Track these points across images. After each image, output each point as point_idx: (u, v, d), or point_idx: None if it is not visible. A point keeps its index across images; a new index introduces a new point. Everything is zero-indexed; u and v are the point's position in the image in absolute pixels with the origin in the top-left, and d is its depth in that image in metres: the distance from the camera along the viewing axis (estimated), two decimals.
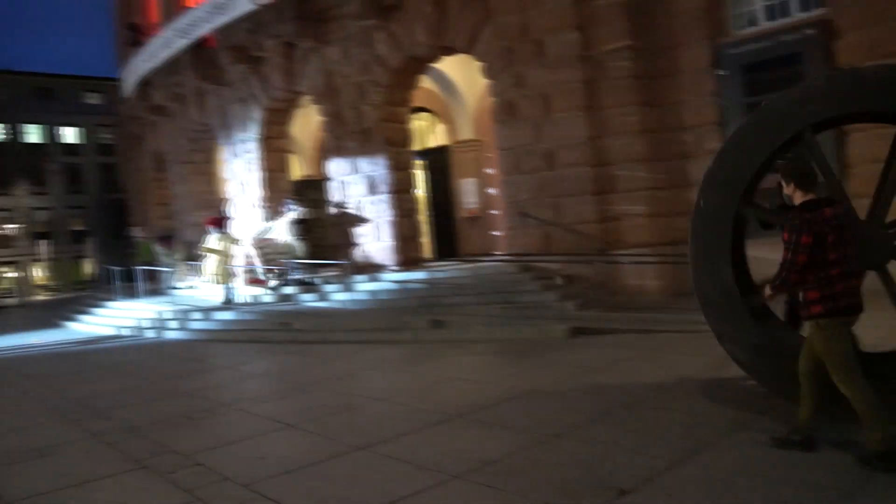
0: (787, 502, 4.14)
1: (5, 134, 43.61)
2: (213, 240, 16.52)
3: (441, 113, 20.74)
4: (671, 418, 5.88)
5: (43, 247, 46.69)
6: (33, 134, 51.26)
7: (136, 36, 24.83)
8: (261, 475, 5.50)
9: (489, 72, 14.27)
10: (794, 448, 4.82)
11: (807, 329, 4.95)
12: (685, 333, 8.83)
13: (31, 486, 5.86)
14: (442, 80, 19.07)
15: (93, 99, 54.91)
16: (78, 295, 34.76)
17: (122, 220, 36.77)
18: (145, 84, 23.35)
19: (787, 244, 4.68)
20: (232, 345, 13.31)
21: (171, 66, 21.11)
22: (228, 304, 16.23)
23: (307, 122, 22.44)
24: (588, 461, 5.06)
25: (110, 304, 20.28)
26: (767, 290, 4.94)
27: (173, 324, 15.78)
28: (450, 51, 15.29)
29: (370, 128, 16.25)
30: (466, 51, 14.76)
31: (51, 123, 52.41)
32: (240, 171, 20.23)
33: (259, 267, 16.92)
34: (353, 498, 4.86)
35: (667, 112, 12.82)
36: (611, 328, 10.18)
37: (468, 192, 19.42)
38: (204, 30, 19.41)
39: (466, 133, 19.67)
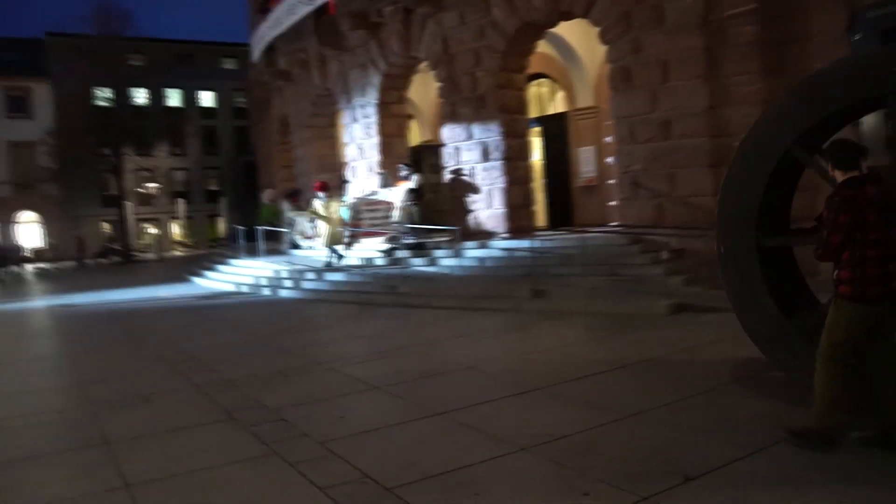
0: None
1: (148, 98, 45.98)
2: (319, 204, 16.90)
3: (560, 79, 20.38)
4: (754, 406, 5.61)
5: (180, 205, 49.17)
6: (173, 98, 53.95)
7: (265, 3, 25.56)
8: (337, 434, 5.64)
9: (606, 37, 13.87)
10: (876, 446, 4.53)
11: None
12: None
13: (130, 429, 6.25)
14: (561, 45, 18.70)
15: (229, 64, 57.08)
16: (209, 252, 36.56)
17: (253, 181, 38.36)
18: (271, 50, 24.07)
19: (826, 222, 4.49)
20: (340, 305, 13.63)
21: (295, 33, 21.63)
22: (329, 267, 16.66)
23: (427, 88, 22.55)
24: (659, 443, 4.90)
25: (233, 261, 21.20)
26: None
27: (288, 283, 16.33)
28: (567, 15, 14.93)
29: (484, 94, 16.15)
30: (583, 15, 14.38)
31: (190, 88, 54.99)
32: (358, 136, 20.57)
33: (352, 230, 17.00)
34: (418, 461, 4.90)
35: (793, 81, 12.02)
36: (715, 306, 9.74)
37: (585, 161, 19.03)
38: None
39: (586, 100, 19.26)
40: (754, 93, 11.99)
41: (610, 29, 13.71)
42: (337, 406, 6.51)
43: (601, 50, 16.45)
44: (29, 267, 38.17)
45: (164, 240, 50.03)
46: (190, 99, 55.09)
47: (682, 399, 5.88)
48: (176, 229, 54.29)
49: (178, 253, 47.55)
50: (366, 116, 20.03)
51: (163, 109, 48.65)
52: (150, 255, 42.32)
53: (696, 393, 6.04)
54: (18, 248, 39.06)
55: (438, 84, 17.66)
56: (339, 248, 16.87)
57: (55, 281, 28.90)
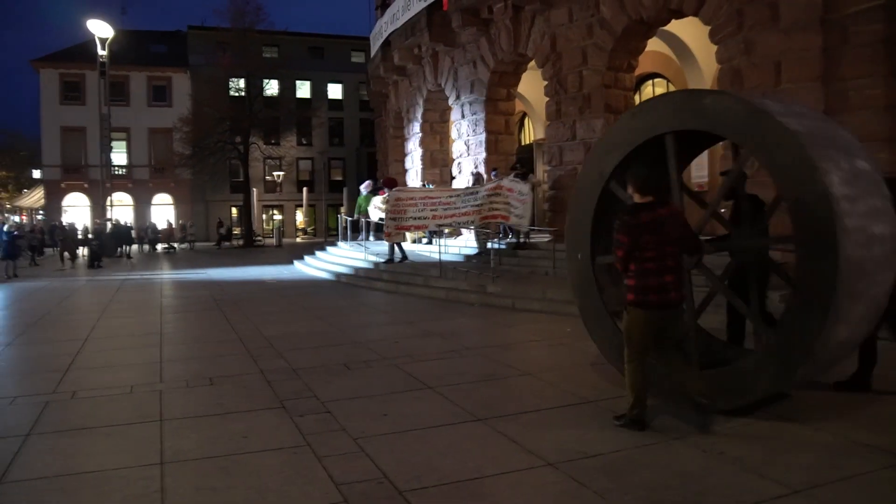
0: None
1: (279, 89, 47.50)
2: (380, 200, 17.02)
3: (675, 79, 19.76)
4: (832, 441, 5.19)
5: (304, 194, 50.64)
6: (303, 89, 55.66)
7: None
8: (373, 431, 5.62)
9: (716, 36, 13.30)
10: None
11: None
12: None
13: (188, 409, 6.51)
14: (677, 44, 18.11)
15: (357, 58, 58.35)
16: (325, 240, 37.56)
17: (376, 172, 39.07)
18: (387, 45, 24.40)
19: (614, 241, 5.53)
20: (426, 301, 13.67)
21: (410, 28, 21.85)
22: (390, 262, 17.11)
23: (541, 86, 22.34)
24: (695, 473, 4.60)
25: (332, 250, 21.80)
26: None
27: (384, 275, 16.51)
28: (677, 14, 14.39)
29: (590, 93, 15.80)
30: (694, 13, 13.81)
31: (319, 80, 56.56)
32: (465, 132, 20.58)
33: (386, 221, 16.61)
34: (442, 467, 4.81)
35: None
36: None
37: (697, 166, 18.31)
38: None
39: None
40: (876, 97, 11.16)
41: (721, 27, 13.13)
42: (385, 403, 6.48)
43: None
44: (159, 246, 40.22)
45: (286, 227, 51.66)
46: (319, 91, 56.64)
47: (745, 425, 5.53)
48: (299, 217, 55.99)
49: (298, 240, 49.05)
50: (473, 113, 20.03)
51: (293, 100, 50.14)
52: (269, 241, 43.82)
53: (762, 419, 5.67)
54: (152, 229, 41.13)
55: (545, 82, 17.44)
56: (402, 244, 17.29)
57: (176, 260, 30.42)
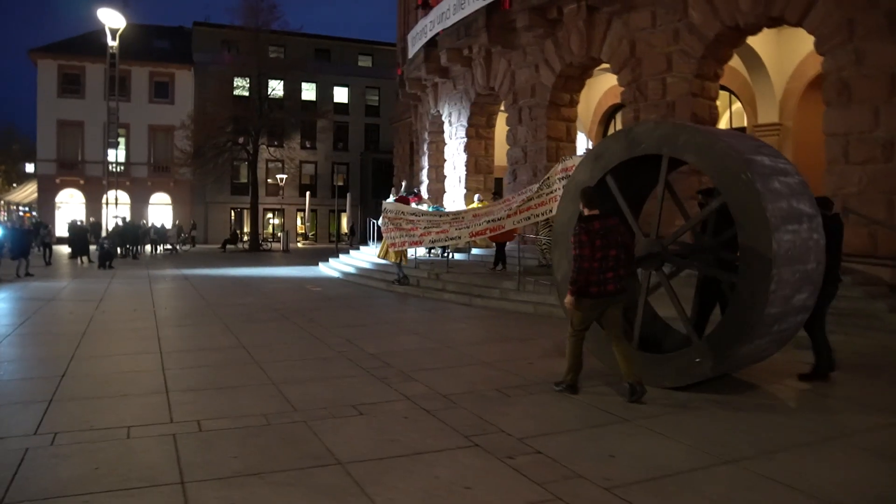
0: None
1: (284, 91, 46.13)
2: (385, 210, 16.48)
3: (740, 91, 19.02)
4: None
5: (307, 198, 49.49)
6: (308, 92, 54.31)
7: None
8: (620, 479, 4.71)
9: (822, 46, 12.52)
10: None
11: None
12: None
13: (359, 448, 5.40)
14: (748, 55, 17.33)
15: (364, 62, 57.38)
16: (336, 246, 36.54)
17: (379, 178, 38.02)
18: (430, 45, 23.36)
19: (574, 245, 6.55)
20: (511, 315, 12.76)
21: (463, 28, 20.85)
22: (398, 282, 16.82)
23: (589, 93, 21.51)
24: None
25: (355, 254, 21.13)
26: (568, 298, 6.72)
27: (449, 286, 15.57)
28: (776, 21, 13.58)
29: (674, 101, 14.95)
30: (797, 22, 13.01)
31: (325, 83, 55.26)
32: (522, 138, 19.64)
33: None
34: None
35: None
36: None
37: None
38: None
39: (769, 116, 17.83)
40: None
41: (829, 37, 12.36)
42: (596, 439, 5.53)
43: (792, 63, 15.15)
44: (160, 248, 39.01)
45: (287, 231, 50.55)
46: (324, 94, 55.45)
47: None
48: (300, 221, 54.79)
49: (300, 245, 47.90)
50: (533, 118, 19.07)
51: (297, 102, 48.86)
52: (275, 245, 42.77)
53: None
54: (154, 229, 39.76)
55: (620, 88, 16.58)
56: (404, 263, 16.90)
57: (184, 261, 29.19)
